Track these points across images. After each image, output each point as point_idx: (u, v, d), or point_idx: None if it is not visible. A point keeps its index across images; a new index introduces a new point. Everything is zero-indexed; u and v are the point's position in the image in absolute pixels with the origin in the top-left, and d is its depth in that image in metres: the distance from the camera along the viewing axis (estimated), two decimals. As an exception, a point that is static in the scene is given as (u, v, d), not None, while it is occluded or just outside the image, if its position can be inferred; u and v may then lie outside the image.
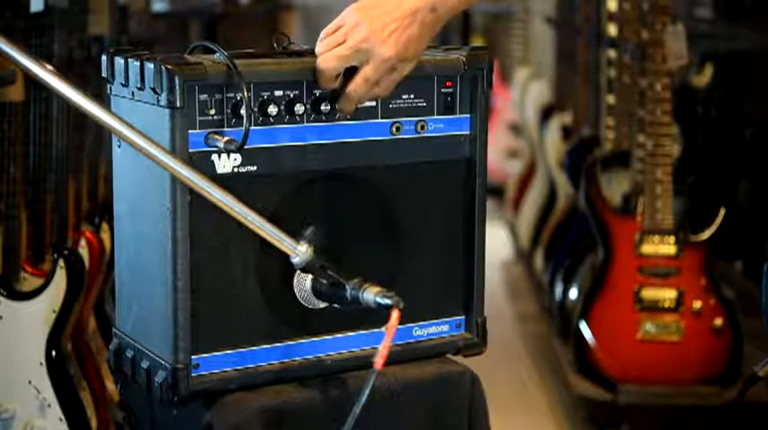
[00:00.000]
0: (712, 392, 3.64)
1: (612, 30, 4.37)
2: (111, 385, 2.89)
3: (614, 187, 3.91)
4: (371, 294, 1.76)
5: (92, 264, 2.85)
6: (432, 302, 2.00)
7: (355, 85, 1.84)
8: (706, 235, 3.68)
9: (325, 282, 1.82)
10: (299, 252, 1.76)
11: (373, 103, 1.91)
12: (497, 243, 5.85)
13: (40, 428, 2.72)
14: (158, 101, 1.77)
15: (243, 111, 1.78)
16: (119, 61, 1.86)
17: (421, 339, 2.00)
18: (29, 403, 2.72)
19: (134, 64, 1.82)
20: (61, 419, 2.72)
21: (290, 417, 1.84)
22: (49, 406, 2.72)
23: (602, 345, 3.72)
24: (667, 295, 3.65)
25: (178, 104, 1.75)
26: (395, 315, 1.71)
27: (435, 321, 2.01)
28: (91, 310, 2.99)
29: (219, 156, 1.80)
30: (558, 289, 4.31)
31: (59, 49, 2.97)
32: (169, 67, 1.75)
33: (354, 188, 1.91)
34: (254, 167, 1.83)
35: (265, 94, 1.83)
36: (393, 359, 1.82)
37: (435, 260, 1.99)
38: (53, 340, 2.72)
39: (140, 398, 1.92)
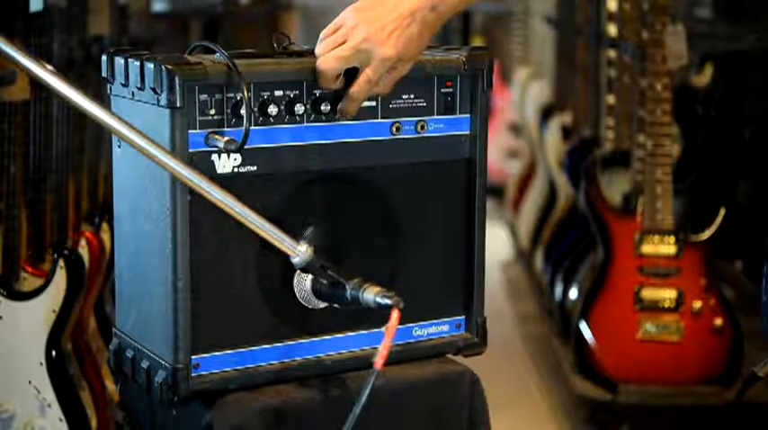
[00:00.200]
0: (712, 392, 3.64)
1: (612, 30, 4.37)
2: (111, 385, 2.89)
3: (614, 187, 3.92)
4: (371, 294, 1.76)
5: (92, 264, 2.85)
6: (432, 302, 2.00)
7: (358, 87, 1.84)
8: (706, 235, 3.68)
9: (325, 282, 1.81)
10: (299, 252, 1.76)
11: (373, 103, 1.91)
12: (497, 243, 5.85)
13: (40, 428, 2.72)
14: (158, 101, 1.77)
15: (243, 112, 1.78)
16: (119, 61, 1.86)
17: (421, 339, 2.00)
18: (29, 403, 2.72)
19: (134, 64, 1.82)
20: (61, 419, 2.72)
21: (290, 417, 1.84)
22: (49, 406, 2.72)
23: (602, 345, 3.72)
24: (667, 295, 3.65)
25: (178, 104, 1.75)
26: (395, 315, 1.71)
27: (435, 321, 2.01)
28: (91, 310, 2.99)
29: (219, 156, 1.80)
30: (558, 289, 4.32)
31: (59, 49, 2.97)
32: (169, 67, 1.75)
33: (354, 188, 1.91)
34: (254, 167, 1.83)
35: (265, 94, 1.83)
36: (393, 359, 1.82)
37: (435, 260, 1.99)
38: (53, 340, 2.72)
39: (140, 398, 1.92)
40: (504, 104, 7.15)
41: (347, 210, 1.91)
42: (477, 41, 7.80)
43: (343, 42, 1.82)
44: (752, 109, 4.76)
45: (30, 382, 2.72)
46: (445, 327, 2.02)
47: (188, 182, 1.72)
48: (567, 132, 5.09)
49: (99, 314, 3.08)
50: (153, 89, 1.77)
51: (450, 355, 2.03)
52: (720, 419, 3.61)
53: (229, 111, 1.80)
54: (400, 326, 1.73)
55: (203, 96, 1.78)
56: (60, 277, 2.73)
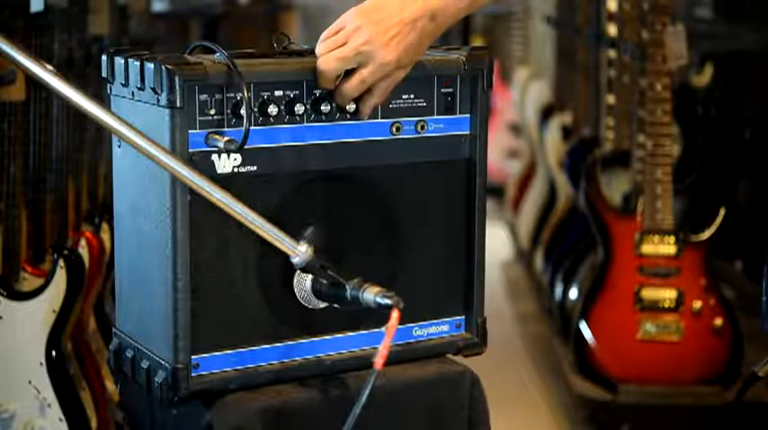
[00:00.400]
0: (712, 392, 3.64)
1: (612, 30, 4.37)
2: (111, 385, 2.89)
3: (614, 187, 3.92)
4: (371, 294, 1.76)
5: (92, 264, 2.85)
6: (432, 302, 2.00)
7: (350, 85, 1.84)
8: (706, 235, 3.68)
9: (325, 282, 1.81)
10: (299, 252, 1.76)
11: (373, 103, 1.91)
12: (497, 243, 5.85)
13: (41, 428, 2.72)
14: (158, 101, 1.77)
15: (243, 111, 1.78)
16: (119, 61, 1.86)
17: (421, 339, 2.00)
18: (29, 403, 2.72)
19: (134, 64, 1.82)
20: (61, 419, 2.72)
21: (290, 417, 1.84)
22: (49, 406, 2.72)
23: (602, 345, 3.72)
24: (667, 295, 3.65)
25: (178, 104, 1.75)
26: (395, 315, 1.71)
27: (435, 321, 2.01)
28: (91, 310, 2.99)
29: (219, 156, 1.80)
30: (558, 289, 4.31)
31: (59, 49, 2.97)
32: (169, 67, 1.75)
33: (354, 188, 1.91)
34: (254, 167, 1.83)
35: (265, 94, 1.83)
36: (393, 359, 1.81)
37: (435, 260, 1.99)
38: (53, 340, 2.72)
39: (140, 398, 1.92)
40: (504, 104, 7.15)
41: (347, 210, 1.91)
42: (478, 41, 7.79)
43: (345, 44, 1.82)
44: (752, 109, 4.76)
45: (30, 382, 2.72)
46: (445, 327, 2.02)
47: (188, 182, 1.72)
48: (567, 132, 5.09)
49: (99, 314, 3.08)
50: (153, 89, 1.77)
51: (450, 355, 2.03)
52: (720, 419, 3.61)
53: (229, 111, 1.80)
54: (400, 327, 1.73)
55: (203, 96, 1.78)
56: (60, 277, 2.73)
